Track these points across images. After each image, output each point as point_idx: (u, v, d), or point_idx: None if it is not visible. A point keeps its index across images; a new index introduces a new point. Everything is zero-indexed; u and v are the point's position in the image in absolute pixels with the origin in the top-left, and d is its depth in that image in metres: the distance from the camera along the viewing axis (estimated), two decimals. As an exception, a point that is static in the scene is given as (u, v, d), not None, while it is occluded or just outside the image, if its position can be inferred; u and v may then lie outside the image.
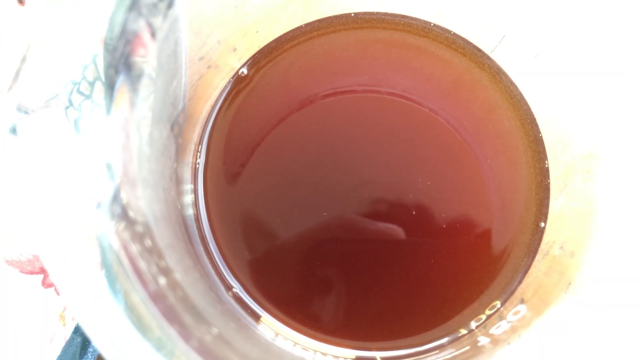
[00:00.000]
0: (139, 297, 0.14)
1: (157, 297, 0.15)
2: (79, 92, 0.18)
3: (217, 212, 0.27)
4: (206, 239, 0.27)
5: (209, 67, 0.28)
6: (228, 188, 0.28)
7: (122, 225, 0.15)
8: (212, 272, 0.26)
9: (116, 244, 0.15)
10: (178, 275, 0.17)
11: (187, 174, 0.27)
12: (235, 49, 0.29)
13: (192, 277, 0.19)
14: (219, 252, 0.27)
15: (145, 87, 0.20)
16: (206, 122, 0.28)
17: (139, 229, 0.16)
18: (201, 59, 0.28)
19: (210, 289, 0.22)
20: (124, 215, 0.16)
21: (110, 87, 0.18)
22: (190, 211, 0.27)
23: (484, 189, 0.27)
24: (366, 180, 0.27)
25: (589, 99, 0.25)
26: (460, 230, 0.27)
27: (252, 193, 0.27)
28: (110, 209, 0.15)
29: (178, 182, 0.26)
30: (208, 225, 0.27)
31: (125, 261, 0.15)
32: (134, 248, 0.15)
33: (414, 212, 0.27)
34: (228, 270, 0.27)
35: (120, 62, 0.17)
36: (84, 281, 0.14)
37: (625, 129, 0.24)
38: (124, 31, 0.17)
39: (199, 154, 0.28)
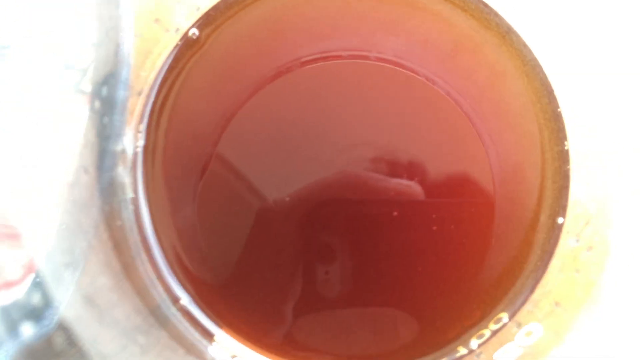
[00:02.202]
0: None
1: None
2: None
3: (161, 204, 0.24)
4: (147, 239, 0.23)
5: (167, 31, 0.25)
6: (175, 175, 0.24)
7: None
8: (156, 281, 0.23)
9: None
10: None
11: (126, 150, 0.23)
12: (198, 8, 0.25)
13: (107, 301, 0.15)
14: (162, 255, 0.23)
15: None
16: (147, 98, 0.24)
17: None
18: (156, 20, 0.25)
19: (139, 311, 0.18)
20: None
21: None
22: (127, 199, 0.23)
23: (489, 177, 0.25)
24: (350, 167, 0.24)
25: (615, 67, 0.23)
26: (457, 228, 0.24)
27: (202, 179, 0.24)
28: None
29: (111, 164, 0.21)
30: (149, 220, 0.23)
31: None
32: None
33: (395, 213, 0.24)
34: (174, 278, 0.23)
35: None
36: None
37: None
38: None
39: (139, 134, 0.24)
